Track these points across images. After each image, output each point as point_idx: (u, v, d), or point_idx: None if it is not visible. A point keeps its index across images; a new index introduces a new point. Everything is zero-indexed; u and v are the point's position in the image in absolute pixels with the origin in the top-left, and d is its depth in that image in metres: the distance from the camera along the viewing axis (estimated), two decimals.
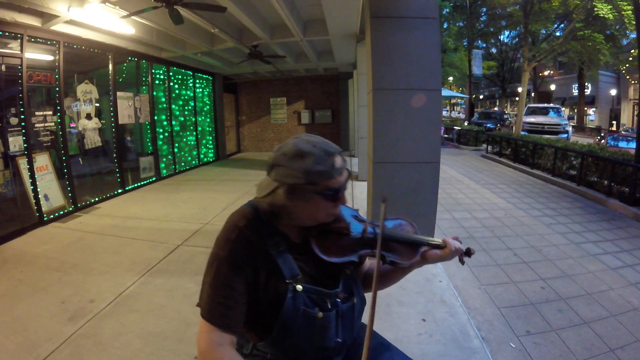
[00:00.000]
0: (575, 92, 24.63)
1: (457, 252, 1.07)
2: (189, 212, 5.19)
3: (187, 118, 9.13)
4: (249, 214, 0.95)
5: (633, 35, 12.55)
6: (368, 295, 0.97)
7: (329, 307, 0.95)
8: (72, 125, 5.40)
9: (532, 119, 14.38)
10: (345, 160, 0.95)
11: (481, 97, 40.47)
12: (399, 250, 1.05)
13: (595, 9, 11.16)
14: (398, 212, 3.37)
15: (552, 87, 27.44)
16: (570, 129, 15.09)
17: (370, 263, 1.21)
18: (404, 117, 3.03)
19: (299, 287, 0.92)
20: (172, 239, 4.05)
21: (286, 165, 0.89)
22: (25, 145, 4.44)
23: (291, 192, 0.90)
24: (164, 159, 7.95)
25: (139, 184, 6.93)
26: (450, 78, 26.78)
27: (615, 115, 23.23)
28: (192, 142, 9.43)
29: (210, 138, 10.66)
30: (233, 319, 0.88)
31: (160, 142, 7.80)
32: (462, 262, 1.10)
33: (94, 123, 5.78)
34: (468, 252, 1.09)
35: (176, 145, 8.48)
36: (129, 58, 6.74)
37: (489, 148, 11.78)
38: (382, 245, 0.99)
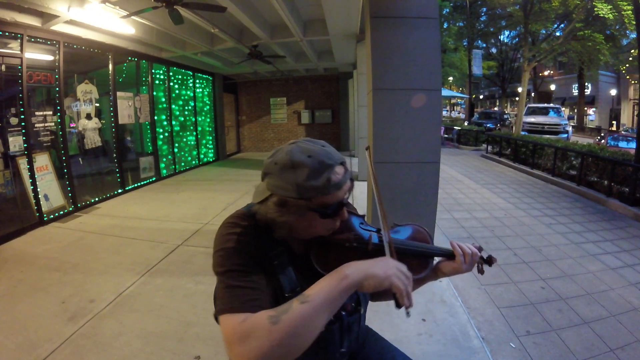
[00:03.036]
0: (575, 92, 24.64)
1: (474, 260, 0.97)
2: (189, 212, 5.20)
3: (187, 118, 9.13)
4: (248, 217, 0.86)
5: (633, 35, 12.56)
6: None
7: (332, 319, 0.88)
8: (72, 125, 5.40)
9: (532, 119, 14.38)
10: (347, 170, 0.83)
11: (481, 97, 40.48)
12: (406, 263, 0.89)
13: (595, 9, 11.16)
14: (398, 212, 3.32)
15: (552, 87, 27.45)
16: (570, 129, 15.09)
17: None
18: (404, 117, 3.03)
19: None
20: (172, 239, 4.06)
21: (277, 176, 0.79)
22: (25, 145, 4.44)
23: (282, 205, 0.79)
24: (164, 159, 7.96)
25: (139, 184, 6.93)
26: (450, 78, 26.79)
27: (615, 115, 23.24)
28: (192, 142, 9.43)
29: (210, 138, 10.66)
30: (263, 300, 0.75)
31: (160, 142, 7.81)
32: (482, 272, 1.01)
33: (94, 123, 5.78)
34: (489, 261, 1.00)
35: (176, 145, 8.48)
36: (129, 58, 6.74)
37: (489, 148, 11.78)
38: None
